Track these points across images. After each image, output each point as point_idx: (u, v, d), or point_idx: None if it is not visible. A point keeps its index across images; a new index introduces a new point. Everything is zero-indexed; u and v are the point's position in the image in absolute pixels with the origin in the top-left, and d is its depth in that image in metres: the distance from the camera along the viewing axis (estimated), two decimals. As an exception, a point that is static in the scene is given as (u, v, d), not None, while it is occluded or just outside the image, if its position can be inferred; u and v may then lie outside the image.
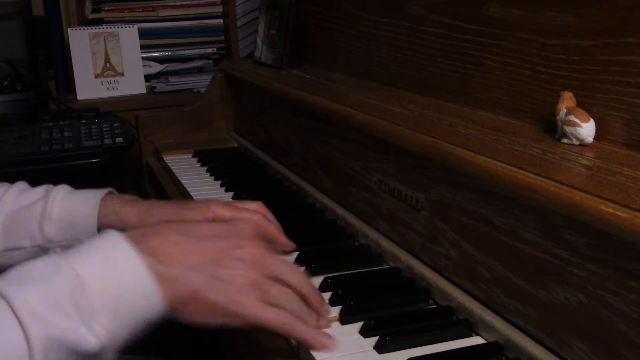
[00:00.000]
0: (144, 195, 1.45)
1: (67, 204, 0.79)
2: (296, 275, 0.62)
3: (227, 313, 0.57)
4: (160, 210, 0.78)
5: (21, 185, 0.83)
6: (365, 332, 0.65)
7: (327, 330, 0.62)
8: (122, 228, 0.75)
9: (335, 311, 0.69)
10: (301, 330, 0.59)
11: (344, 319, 0.68)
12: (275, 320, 0.58)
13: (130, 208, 0.79)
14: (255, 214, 0.78)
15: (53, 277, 0.51)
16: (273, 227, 0.78)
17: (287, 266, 0.62)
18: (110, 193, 0.82)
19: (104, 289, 0.52)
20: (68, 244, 0.78)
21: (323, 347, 0.59)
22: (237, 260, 0.59)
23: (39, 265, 0.52)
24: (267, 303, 0.58)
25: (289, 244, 0.79)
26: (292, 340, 0.66)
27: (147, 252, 0.55)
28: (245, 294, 0.57)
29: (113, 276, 0.53)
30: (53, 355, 0.49)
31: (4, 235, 0.78)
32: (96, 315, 0.51)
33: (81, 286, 0.51)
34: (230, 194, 1.10)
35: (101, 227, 0.79)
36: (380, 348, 0.62)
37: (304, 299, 0.62)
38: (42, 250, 0.78)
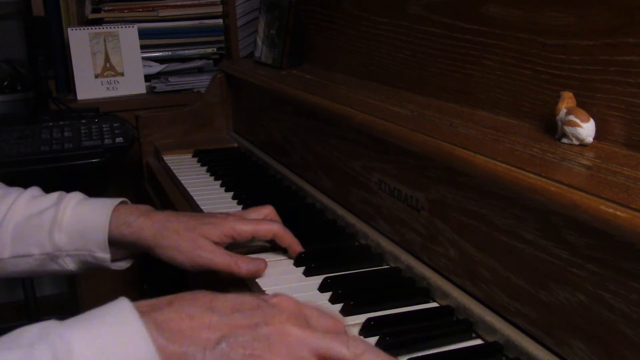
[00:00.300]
0: (144, 195, 1.45)
1: (79, 213, 0.77)
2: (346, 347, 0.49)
3: None
4: (176, 223, 0.76)
5: (34, 191, 0.82)
6: (365, 332, 0.65)
7: None
8: (136, 240, 0.76)
9: (335, 311, 0.69)
10: None
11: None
12: None
13: (145, 219, 0.77)
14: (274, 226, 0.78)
15: (39, 344, 0.42)
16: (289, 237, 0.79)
17: (335, 339, 0.49)
18: (123, 203, 0.80)
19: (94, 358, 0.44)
20: (78, 253, 0.78)
21: None
22: (261, 340, 0.48)
23: (34, 331, 0.44)
24: None
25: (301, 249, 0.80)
26: None
27: (155, 324, 0.47)
28: None
29: (110, 348, 0.44)
30: None
31: (13, 242, 0.77)
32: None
33: (68, 355, 0.42)
34: (231, 193, 1.10)
35: (112, 238, 0.78)
36: (380, 348, 0.62)
37: None
38: (50, 258, 0.77)
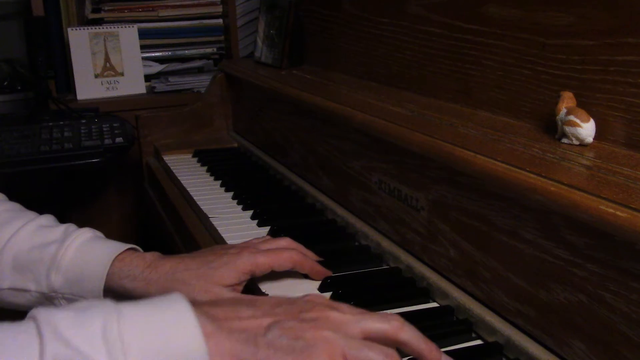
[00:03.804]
0: (144, 195, 1.45)
1: (80, 256, 0.73)
2: (390, 324, 0.52)
3: None
4: (185, 272, 0.69)
5: (44, 220, 0.77)
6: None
7: None
8: (141, 296, 0.68)
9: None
10: None
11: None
12: None
13: (151, 272, 0.71)
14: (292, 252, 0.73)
15: (91, 308, 0.44)
16: (311, 263, 0.75)
17: (375, 316, 0.52)
18: (131, 249, 0.74)
19: (142, 329, 0.44)
20: (73, 298, 0.72)
21: None
22: (308, 322, 0.50)
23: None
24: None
25: (325, 272, 0.76)
26: None
27: (205, 314, 0.47)
28: (321, 354, 0.48)
29: (159, 329, 0.45)
30: None
31: (13, 273, 0.73)
32: (126, 350, 0.42)
33: (117, 320, 0.43)
34: (230, 193, 1.10)
35: (112, 289, 0.72)
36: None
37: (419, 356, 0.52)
38: (46, 297, 0.73)
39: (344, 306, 0.54)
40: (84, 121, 1.53)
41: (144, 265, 0.71)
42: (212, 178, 1.21)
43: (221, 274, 0.69)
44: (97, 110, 1.62)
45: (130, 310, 0.45)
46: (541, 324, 0.59)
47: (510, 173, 0.59)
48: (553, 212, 0.56)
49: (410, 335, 0.52)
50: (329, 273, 0.77)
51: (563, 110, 0.64)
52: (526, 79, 0.72)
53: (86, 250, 0.73)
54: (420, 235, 0.77)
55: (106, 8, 1.81)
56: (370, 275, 0.80)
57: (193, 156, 1.38)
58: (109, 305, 0.45)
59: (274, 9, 1.39)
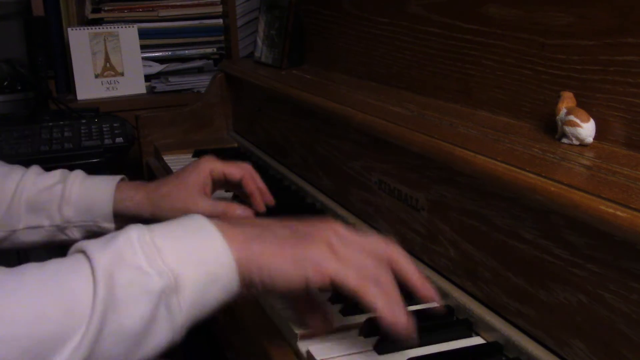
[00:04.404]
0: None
1: (85, 189, 0.87)
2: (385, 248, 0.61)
3: (301, 258, 0.56)
4: (165, 188, 0.87)
5: (36, 169, 0.90)
6: (365, 333, 0.65)
7: None
8: (137, 210, 0.88)
9: (335, 311, 0.69)
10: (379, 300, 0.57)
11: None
12: (356, 282, 0.56)
13: (143, 193, 0.87)
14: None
15: (125, 230, 0.54)
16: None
17: (380, 242, 0.61)
18: (122, 179, 0.90)
19: (171, 237, 0.55)
20: (84, 224, 0.87)
21: (391, 321, 0.57)
22: (310, 227, 0.60)
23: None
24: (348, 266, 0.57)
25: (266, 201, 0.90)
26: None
27: (221, 226, 0.57)
28: (320, 243, 0.57)
29: (180, 227, 0.57)
30: (119, 275, 0.50)
31: (27, 213, 0.86)
32: (160, 252, 0.53)
33: (149, 232, 0.54)
34: (230, 193, 1.10)
35: (116, 211, 0.87)
36: (380, 348, 0.62)
37: (404, 279, 0.60)
38: (59, 229, 0.87)
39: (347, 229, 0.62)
40: (84, 121, 1.53)
41: (135, 188, 0.88)
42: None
43: (190, 179, 0.86)
44: (97, 110, 1.62)
45: (157, 226, 0.56)
46: (541, 324, 0.59)
47: (510, 173, 0.59)
48: (553, 212, 0.56)
49: (404, 260, 0.61)
50: (271, 201, 0.91)
51: (563, 110, 0.64)
52: (526, 79, 0.72)
53: (89, 184, 0.88)
54: (420, 235, 0.77)
55: (106, 8, 1.81)
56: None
57: (193, 156, 1.38)
58: (139, 225, 0.55)
59: (274, 9, 1.39)
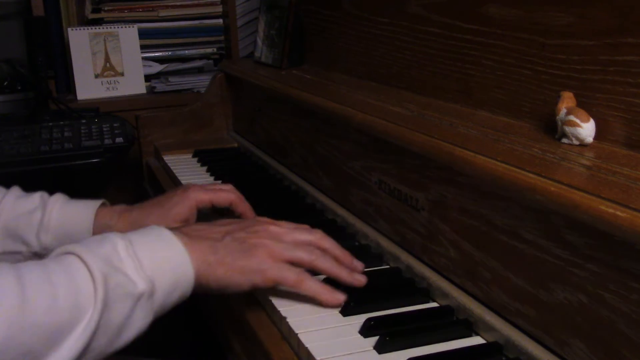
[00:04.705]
0: (144, 195, 1.45)
1: (64, 215, 0.85)
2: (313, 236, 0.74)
3: (248, 270, 0.68)
4: (147, 218, 0.85)
5: (16, 191, 0.87)
6: (365, 332, 0.65)
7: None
8: None
9: (334, 312, 0.69)
10: (311, 286, 0.69)
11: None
12: (287, 276, 0.69)
13: (122, 222, 0.85)
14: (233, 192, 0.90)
15: (109, 239, 0.63)
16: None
17: (307, 231, 0.74)
18: (103, 204, 0.87)
19: (146, 248, 0.63)
20: None
21: (330, 303, 0.70)
22: (252, 233, 0.71)
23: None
24: (286, 261, 0.70)
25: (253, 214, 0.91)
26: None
27: (180, 232, 0.68)
28: (262, 253, 0.69)
29: (154, 240, 0.65)
30: (110, 278, 0.58)
31: (4, 239, 0.83)
32: (141, 263, 0.62)
33: (131, 243, 0.63)
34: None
35: None
36: (380, 348, 0.62)
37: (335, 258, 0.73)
38: (36, 255, 0.83)
39: (283, 222, 0.75)
40: (84, 121, 1.53)
41: (117, 216, 0.86)
42: (212, 178, 1.21)
43: (175, 211, 0.86)
44: (97, 110, 1.62)
45: (135, 237, 0.64)
46: (541, 324, 0.59)
47: (510, 173, 0.59)
48: (553, 212, 0.56)
49: (329, 244, 0.75)
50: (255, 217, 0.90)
51: (563, 110, 0.64)
52: (526, 79, 0.72)
53: (68, 210, 0.86)
54: (420, 235, 0.77)
55: (106, 8, 1.81)
56: (370, 275, 0.80)
57: (193, 156, 1.38)
58: (118, 235, 0.64)
59: (274, 9, 1.39)
